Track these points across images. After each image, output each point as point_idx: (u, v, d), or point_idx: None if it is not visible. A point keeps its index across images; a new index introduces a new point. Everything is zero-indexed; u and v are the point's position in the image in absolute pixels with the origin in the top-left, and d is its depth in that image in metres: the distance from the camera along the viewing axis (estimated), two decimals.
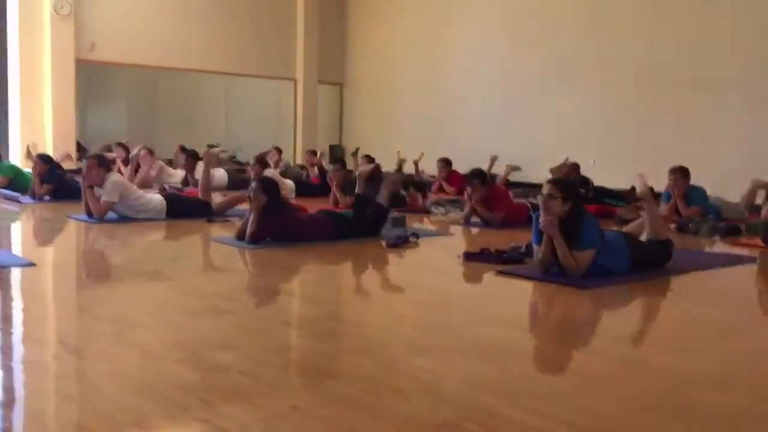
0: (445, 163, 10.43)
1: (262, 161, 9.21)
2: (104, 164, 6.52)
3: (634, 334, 3.24)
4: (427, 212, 7.70)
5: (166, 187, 9.08)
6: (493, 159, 10.77)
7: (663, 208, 7.53)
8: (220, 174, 10.20)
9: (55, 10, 11.08)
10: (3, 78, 11.44)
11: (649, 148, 9.76)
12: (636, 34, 10.16)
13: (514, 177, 10.40)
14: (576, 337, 3.24)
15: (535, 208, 4.44)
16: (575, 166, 9.33)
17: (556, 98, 11.03)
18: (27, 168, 8.92)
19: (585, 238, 4.05)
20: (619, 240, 4.33)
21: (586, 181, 8.74)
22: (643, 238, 4.56)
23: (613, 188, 8.82)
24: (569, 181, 5.05)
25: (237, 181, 9.84)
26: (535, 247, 4.26)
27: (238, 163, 12.10)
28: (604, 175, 9.50)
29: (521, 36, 11.53)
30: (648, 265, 4.38)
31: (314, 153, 11.28)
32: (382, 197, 5.95)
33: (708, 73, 9.43)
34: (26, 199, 7.92)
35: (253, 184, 5.33)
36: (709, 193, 7.40)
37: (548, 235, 4.07)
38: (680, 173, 7.28)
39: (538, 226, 4.14)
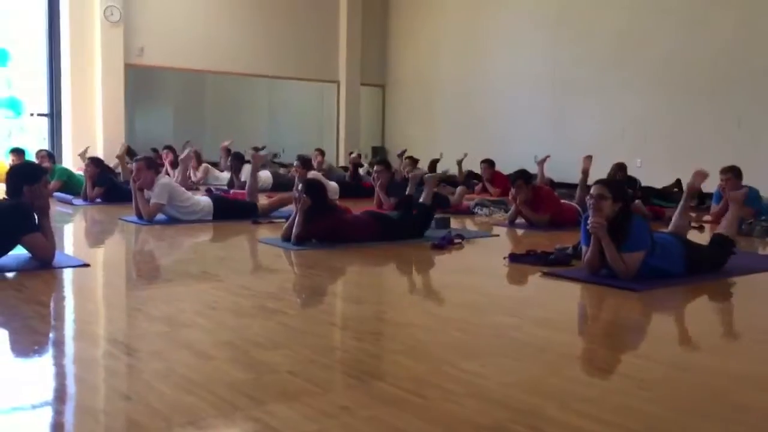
0: (489, 164, 10.35)
1: (306, 163, 9.28)
2: (153, 167, 6.65)
3: (685, 336, 3.18)
4: (471, 213, 7.67)
5: (212, 188, 9.22)
6: (542, 160, 9.92)
7: (714, 208, 7.36)
8: (265, 175, 10.33)
9: (105, 17, 11.36)
10: (57, 83, 11.76)
11: (698, 147, 9.55)
12: (684, 31, 9.96)
13: (559, 177, 10.22)
14: (626, 339, 3.19)
15: (585, 209, 4.38)
16: (622, 166, 9.17)
17: (602, 98, 10.88)
18: (80, 171, 9.15)
19: (634, 240, 3.98)
20: (672, 242, 4.24)
21: (633, 181, 8.59)
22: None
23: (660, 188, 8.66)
24: (619, 181, 4.97)
25: (282, 182, 9.95)
26: (583, 248, 4.20)
27: (281, 164, 12.22)
28: (651, 176, 9.33)
29: (566, 34, 11.40)
30: (707, 267, 4.29)
31: (359, 156, 11.34)
32: (425, 198, 5.96)
33: (759, 68, 9.20)
34: (79, 201, 8.12)
35: (299, 186, 5.38)
36: (762, 193, 7.21)
37: (596, 237, 4.02)
38: (732, 173, 7.10)
39: (586, 228, 4.09)
